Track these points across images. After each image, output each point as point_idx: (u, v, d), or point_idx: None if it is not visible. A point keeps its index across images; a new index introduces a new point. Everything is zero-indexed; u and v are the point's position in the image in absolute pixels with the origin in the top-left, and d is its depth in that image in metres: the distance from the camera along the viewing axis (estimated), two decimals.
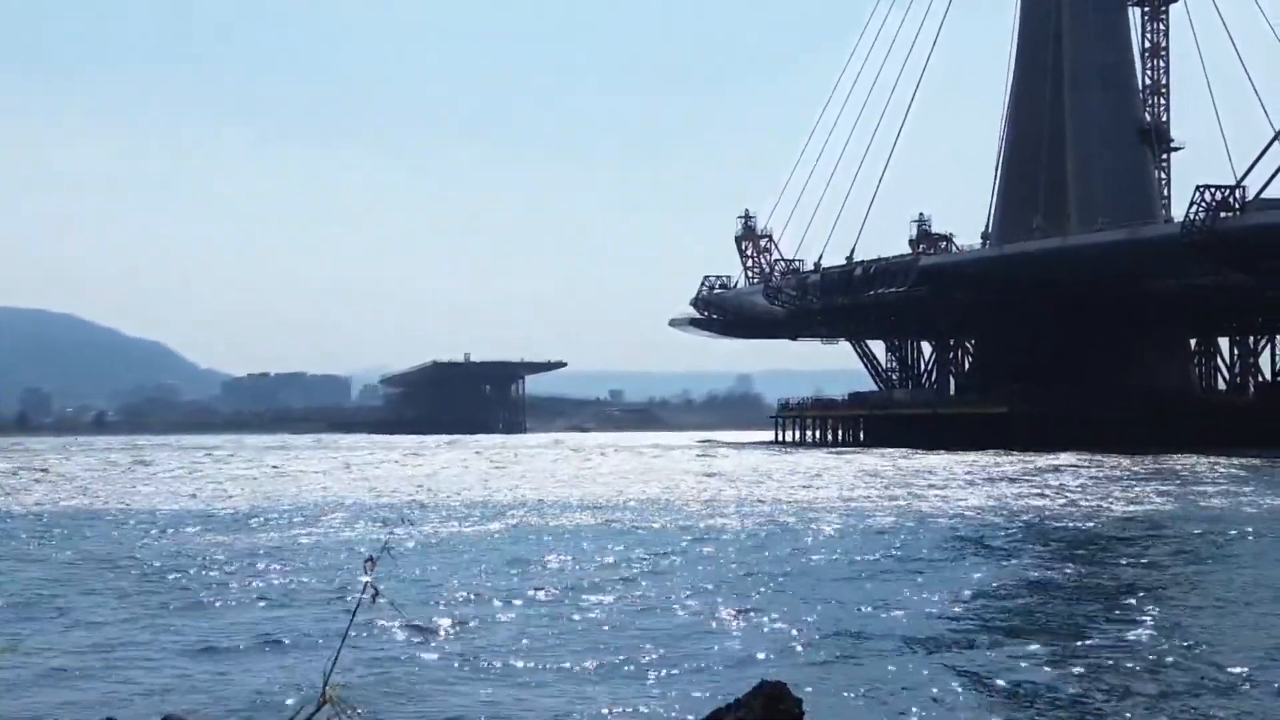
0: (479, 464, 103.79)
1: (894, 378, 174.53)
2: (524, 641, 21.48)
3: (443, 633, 22.19)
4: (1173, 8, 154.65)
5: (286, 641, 21.43)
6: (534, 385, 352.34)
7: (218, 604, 25.70)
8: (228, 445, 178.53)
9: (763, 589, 27.45)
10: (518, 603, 25.74)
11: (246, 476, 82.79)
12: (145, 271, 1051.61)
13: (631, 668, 19.18)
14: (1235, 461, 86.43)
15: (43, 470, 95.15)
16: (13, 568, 31.77)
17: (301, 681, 17.45)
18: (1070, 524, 43.64)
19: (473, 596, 26.58)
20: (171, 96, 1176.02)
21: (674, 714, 16.32)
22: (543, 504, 54.70)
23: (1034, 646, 20.54)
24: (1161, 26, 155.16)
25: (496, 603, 25.71)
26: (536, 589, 27.52)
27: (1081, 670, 18.72)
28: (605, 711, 16.62)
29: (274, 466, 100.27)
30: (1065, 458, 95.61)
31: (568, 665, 19.38)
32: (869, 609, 24.57)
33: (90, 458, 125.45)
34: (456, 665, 19.65)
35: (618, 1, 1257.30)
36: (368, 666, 19.23)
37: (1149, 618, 23.40)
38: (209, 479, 79.32)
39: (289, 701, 15.96)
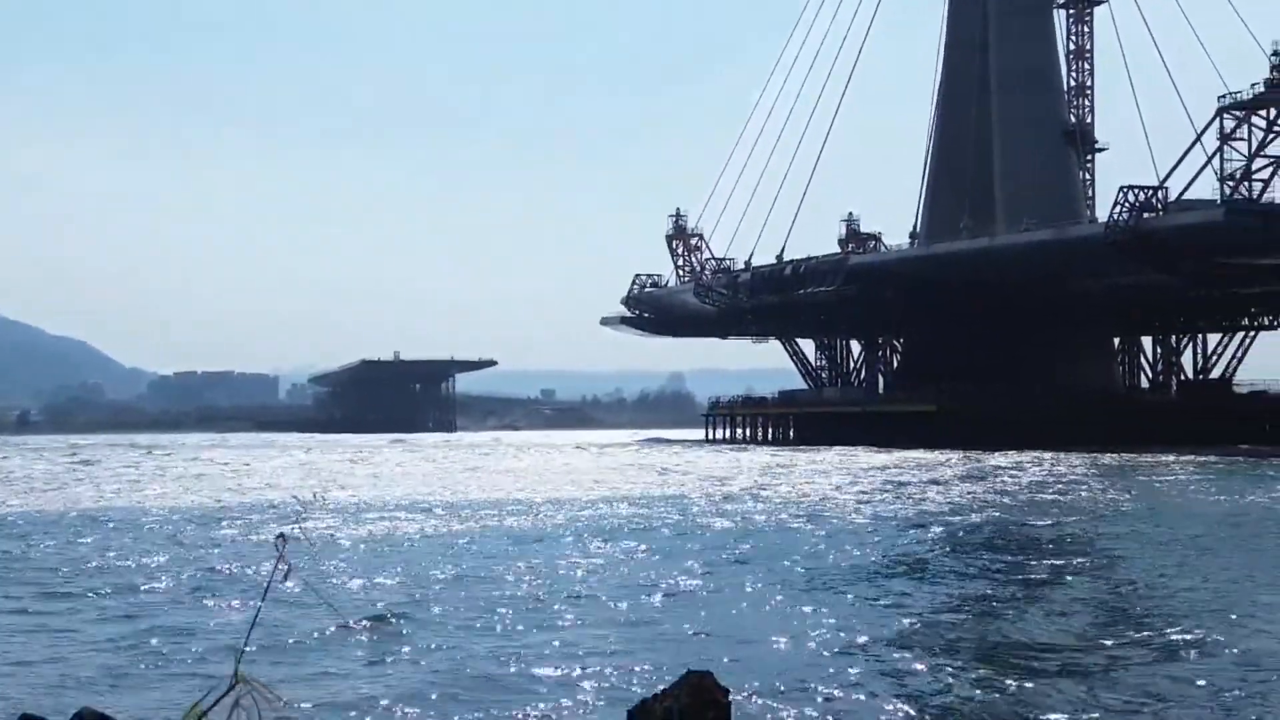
0: (422, 464, 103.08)
1: (824, 376, 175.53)
2: (450, 626, 21.38)
3: (363, 617, 22.01)
4: (1097, 10, 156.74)
5: (207, 627, 21.25)
6: (465, 384, 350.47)
7: (144, 598, 25.36)
8: (164, 444, 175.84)
9: (708, 583, 27.39)
10: (443, 591, 25.56)
11: (189, 475, 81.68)
12: (70, 269, 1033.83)
13: (559, 659, 19.02)
14: (1165, 459, 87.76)
15: None
16: None
17: (217, 667, 17.24)
18: (1011, 519, 44.09)
19: (404, 585, 26.42)
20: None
21: (601, 704, 16.22)
22: (491, 501, 54.49)
23: (977, 643, 20.65)
24: (1086, 29, 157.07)
25: (424, 592, 25.52)
26: (471, 580, 27.36)
27: (1030, 668, 18.79)
28: (528, 701, 16.49)
29: (224, 464, 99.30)
30: (997, 457, 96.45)
31: (493, 655, 19.21)
32: (810, 603, 24.56)
33: (20, 458, 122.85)
34: (371, 648, 19.56)
35: (561, 4, 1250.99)
36: (283, 647, 19.25)
37: (1090, 608, 23.62)
38: (149, 478, 78.10)
39: (203, 686, 15.73)
